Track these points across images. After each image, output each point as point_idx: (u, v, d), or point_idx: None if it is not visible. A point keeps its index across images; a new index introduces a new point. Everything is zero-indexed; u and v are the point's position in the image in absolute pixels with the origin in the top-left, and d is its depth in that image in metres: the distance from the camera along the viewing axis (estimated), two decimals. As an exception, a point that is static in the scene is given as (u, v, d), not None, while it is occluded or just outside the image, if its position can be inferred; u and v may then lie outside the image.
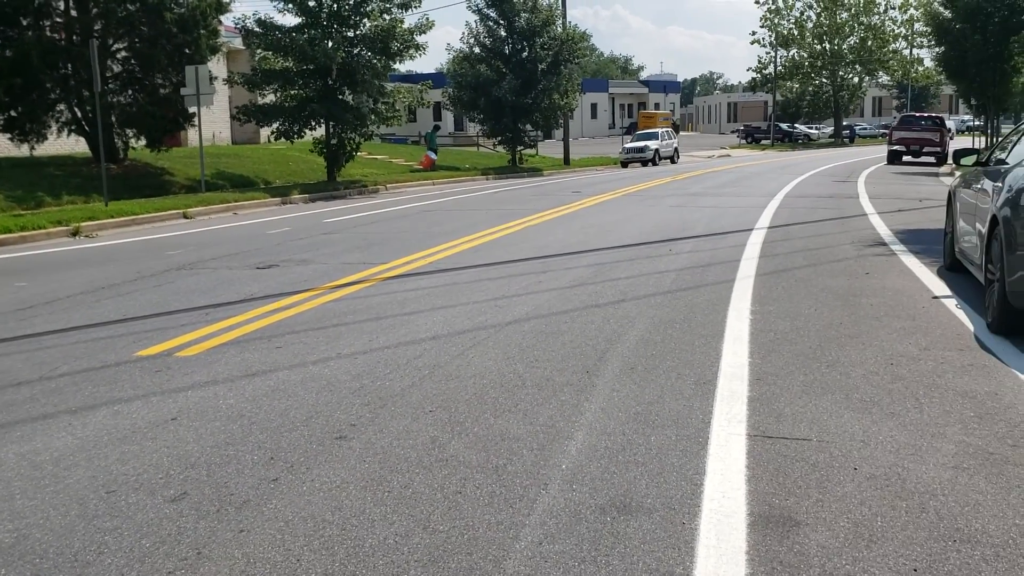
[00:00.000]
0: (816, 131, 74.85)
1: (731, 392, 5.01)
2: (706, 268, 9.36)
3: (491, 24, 37.27)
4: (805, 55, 69.50)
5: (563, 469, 3.96)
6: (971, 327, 6.54)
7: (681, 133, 65.22)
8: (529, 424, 4.55)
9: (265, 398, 5.09)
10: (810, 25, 68.70)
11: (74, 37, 22.18)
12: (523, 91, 36.03)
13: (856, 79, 71.55)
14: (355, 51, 25.94)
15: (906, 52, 70.88)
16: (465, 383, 5.31)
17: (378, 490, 3.78)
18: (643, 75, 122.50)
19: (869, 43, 67.21)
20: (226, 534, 3.40)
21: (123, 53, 23.28)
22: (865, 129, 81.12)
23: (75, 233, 15.24)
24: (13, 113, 22.23)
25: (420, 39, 26.48)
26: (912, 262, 9.59)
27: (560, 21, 38.00)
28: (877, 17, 67.73)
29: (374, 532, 3.40)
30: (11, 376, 5.74)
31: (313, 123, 26.41)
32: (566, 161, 41.42)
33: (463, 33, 38.12)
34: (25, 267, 11.31)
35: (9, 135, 22.87)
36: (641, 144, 42.48)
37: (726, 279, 8.63)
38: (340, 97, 25.84)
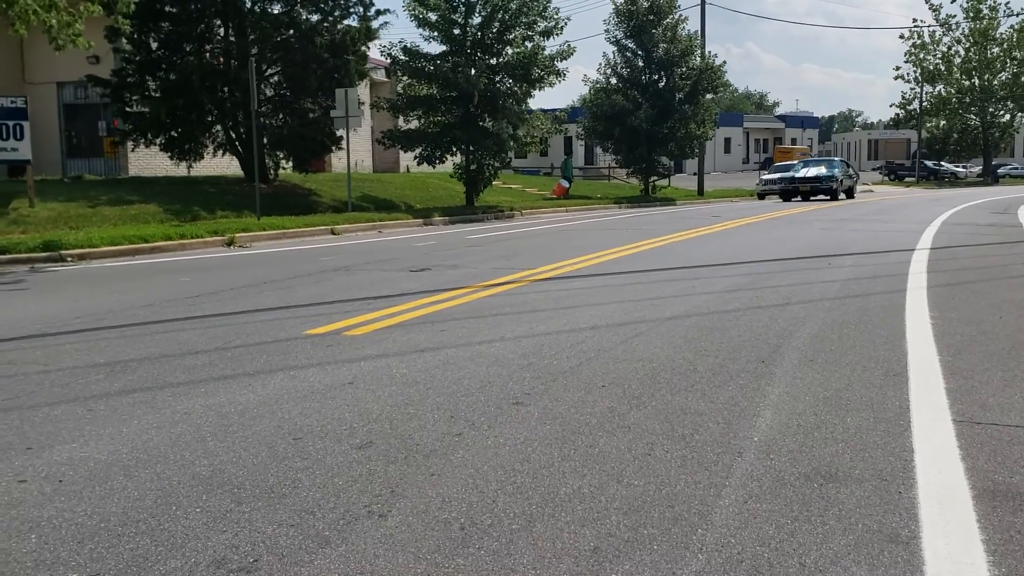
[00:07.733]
0: (964, 169, 71.55)
1: (926, 382, 4.69)
2: (872, 280, 8.93)
3: (628, 55, 37.26)
4: (952, 91, 66.77)
5: (755, 441, 3.76)
6: None
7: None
8: (710, 402, 4.36)
9: (437, 369, 5.07)
10: (958, 60, 65.98)
11: (232, 61, 23.22)
12: (659, 120, 35.72)
13: (1008, 116, 68.25)
14: (497, 78, 26.30)
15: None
16: (634, 365, 5.16)
17: (564, 447, 3.67)
18: (778, 112, 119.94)
19: (1023, 79, 64.01)
20: (417, 476, 3.34)
21: (275, 77, 24.25)
22: (1016, 169, 76.93)
23: (230, 243, 15.84)
24: (174, 133, 23.41)
25: (560, 65, 26.66)
26: (1099, 280, 8.91)
27: (699, 51, 37.63)
28: (1032, 51, 64.57)
29: (566, 482, 3.28)
30: (188, 346, 5.91)
31: (454, 148, 26.87)
32: (700, 192, 40.83)
33: (600, 64, 38.31)
34: (186, 267, 11.78)
35: (169, 154, 24.07)
36: (779, 176, 41.37)
37: (896, 289, 8.19)
38: (480, 124, 26.22)
